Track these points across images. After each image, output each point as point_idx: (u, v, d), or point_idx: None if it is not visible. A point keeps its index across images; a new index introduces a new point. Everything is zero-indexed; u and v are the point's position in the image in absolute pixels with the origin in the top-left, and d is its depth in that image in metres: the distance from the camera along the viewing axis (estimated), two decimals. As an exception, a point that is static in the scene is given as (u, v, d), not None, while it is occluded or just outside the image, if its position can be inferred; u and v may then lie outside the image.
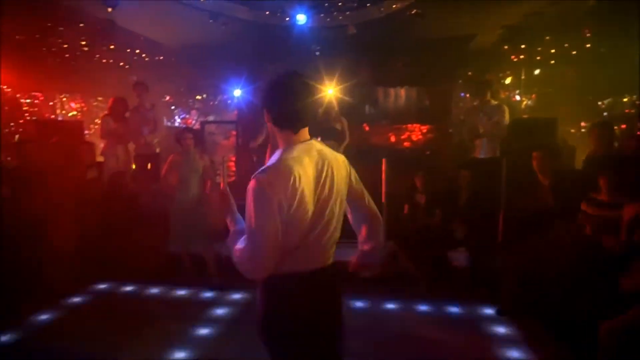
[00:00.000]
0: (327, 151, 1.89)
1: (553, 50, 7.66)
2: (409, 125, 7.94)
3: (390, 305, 4.49)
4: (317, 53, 7.97)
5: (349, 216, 2.10)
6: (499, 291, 4.25)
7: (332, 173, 1.82)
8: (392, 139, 7.90)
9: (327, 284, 1.89)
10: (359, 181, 2.04)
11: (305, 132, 1.85)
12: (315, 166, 1.77)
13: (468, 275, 4.83)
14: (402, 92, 8.31)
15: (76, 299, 4.63)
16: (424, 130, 7.86)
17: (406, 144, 7.83)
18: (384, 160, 5.42)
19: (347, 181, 1.95)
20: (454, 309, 4.35)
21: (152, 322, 4.11)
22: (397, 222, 5.19)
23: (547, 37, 7.47)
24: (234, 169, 8.11)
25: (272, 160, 1.79)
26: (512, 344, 3.66)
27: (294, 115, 1.80)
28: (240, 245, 1.77)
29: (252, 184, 1.69)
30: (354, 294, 4.67)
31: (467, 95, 8.54)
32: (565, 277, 3.43)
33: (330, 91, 7.20)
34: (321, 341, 1.85)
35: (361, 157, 6.76)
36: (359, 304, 4.52)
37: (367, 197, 2.08)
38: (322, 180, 1.78)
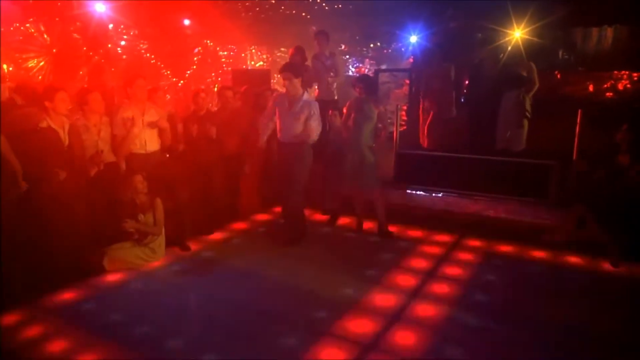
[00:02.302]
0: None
1: None
2: (615, 72, 6.69)
3: (573, 275, 4.06)
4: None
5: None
6: None
7: (292, 104, 4.52)
8: (590, 88, 6.80)
9: (287, 144, 4.56)
10: (311, 116, 4.48)
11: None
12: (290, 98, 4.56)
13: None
14: (609, 32, 6.97)
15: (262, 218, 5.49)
16: (635, 78, 6.55)
17: (608, 94, 6.65)
18: (579, 112, 4.74)
19: (305, 112, 4.47)
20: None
21: (321, 258, 4.47)
22: (589, 182, 4.56)
23: None
24: (405, 117, 8.02)
25: None
26: None
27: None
28: None
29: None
30: (532, 257, 4.38)
31: None
32: None
33: (517, 34, 6.48)
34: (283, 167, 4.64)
35: (551, 107, 6.04)
36: (534, 268, 4.20)
37: (310, 122, 4.48)
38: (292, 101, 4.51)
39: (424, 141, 6.91)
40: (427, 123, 6.83)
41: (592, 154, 4.75)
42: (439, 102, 6.69)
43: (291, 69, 4.57)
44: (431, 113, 6.78)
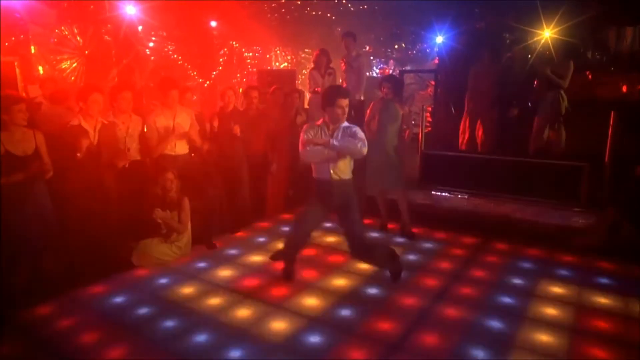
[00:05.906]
0: None
1: None
2: (650, 73, 6.48)
3: (604, 280, 3.95)
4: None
5: None
6: None
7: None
8: (624, 89, 6.60)
9: (329, 184, 3.64)
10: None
11: None
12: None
13: None
14: (644, 31, 6.75)
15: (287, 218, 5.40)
16: (672, 79, 6.33)
17: (643, 95, 6.45)
18: (612, 114, 4.62)
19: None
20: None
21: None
22: (623, 186, 4.43)
23: None
24: (429, 119, 7.95)
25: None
26: None
27: None
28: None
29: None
30: (561, 262, 4.28)
31: None
32: None
33: (546, 33, 6.34)
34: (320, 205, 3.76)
35: (582, 108, 5.89)
36: (563, 272, 4.10)
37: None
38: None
39: (465, 144, 6.73)
40: (469, 125, 6.65)
41: (626, 156, 4.61)
42: (485, 102, 6.51)
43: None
44: (468, 116, 6.65)
